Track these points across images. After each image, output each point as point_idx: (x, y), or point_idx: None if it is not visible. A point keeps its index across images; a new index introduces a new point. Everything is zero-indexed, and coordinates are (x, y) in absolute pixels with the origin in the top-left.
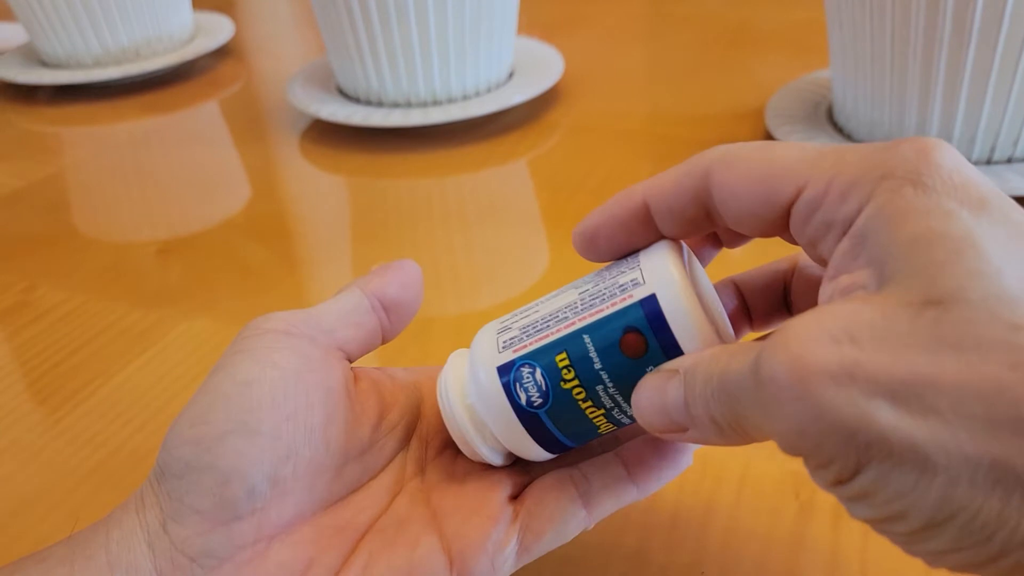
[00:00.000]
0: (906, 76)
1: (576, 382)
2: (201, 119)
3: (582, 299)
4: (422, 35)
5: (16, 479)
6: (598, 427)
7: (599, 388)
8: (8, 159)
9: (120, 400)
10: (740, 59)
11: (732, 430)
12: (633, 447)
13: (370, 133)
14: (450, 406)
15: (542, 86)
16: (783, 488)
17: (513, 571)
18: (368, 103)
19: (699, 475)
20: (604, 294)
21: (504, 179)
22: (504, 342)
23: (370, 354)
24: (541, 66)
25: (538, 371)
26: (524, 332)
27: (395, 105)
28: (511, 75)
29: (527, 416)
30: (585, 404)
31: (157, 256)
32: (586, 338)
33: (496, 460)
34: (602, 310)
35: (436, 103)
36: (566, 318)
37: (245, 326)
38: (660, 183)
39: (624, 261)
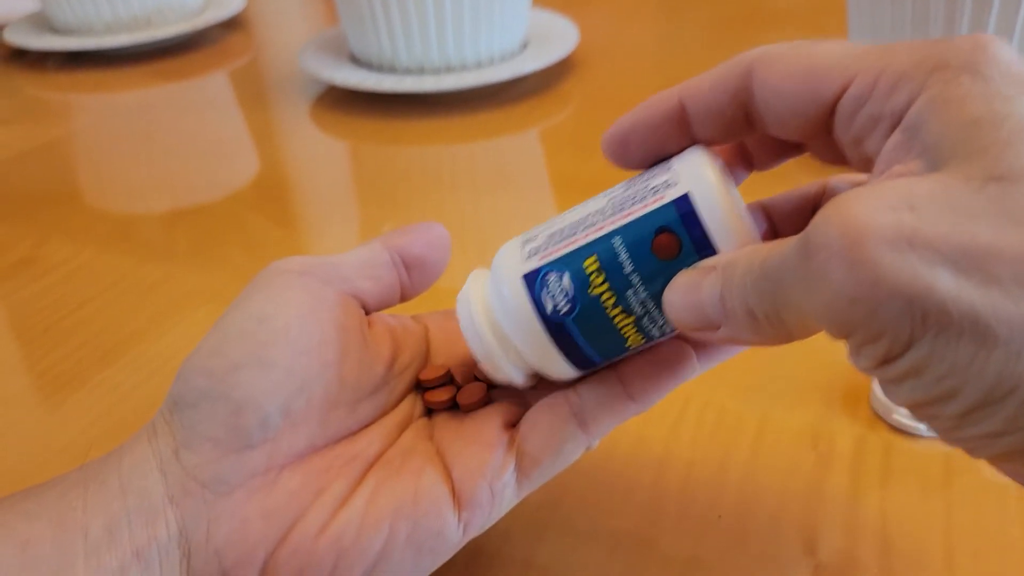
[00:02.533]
0: None
1: (606, 287)
2: (211, 88)
3: (612, 203)
4: (437, 1)
5: (25, 424)
6: (627, 339)
7: (630, 293)
8: (18, 123)
9: (128, 350)
10: (756, 35)
11: (768, 322)
12: (630, 362)
13: (382, 100)
14: (472, 321)
15: (556, 55)
16: (801, 440)
17: (518, 500)
18: (381, 70)
19: (715, 426)
20: (635, 197)
21: (516, 148)
22: (530, 251)
23: None
24: (556, 37)
25: (566, 277)
26: (551, 239)
27: (408, 72)
28: (525, 45)
29: (553, 326)
30: (615, 311)
31: (165, 219)
32: (616, 241)
33: (520, 379)
34: (633, 212)
35: (449, 70)
36: (595, 223)
37: (263, 268)
38: (698, 83)
39: (656, 167)
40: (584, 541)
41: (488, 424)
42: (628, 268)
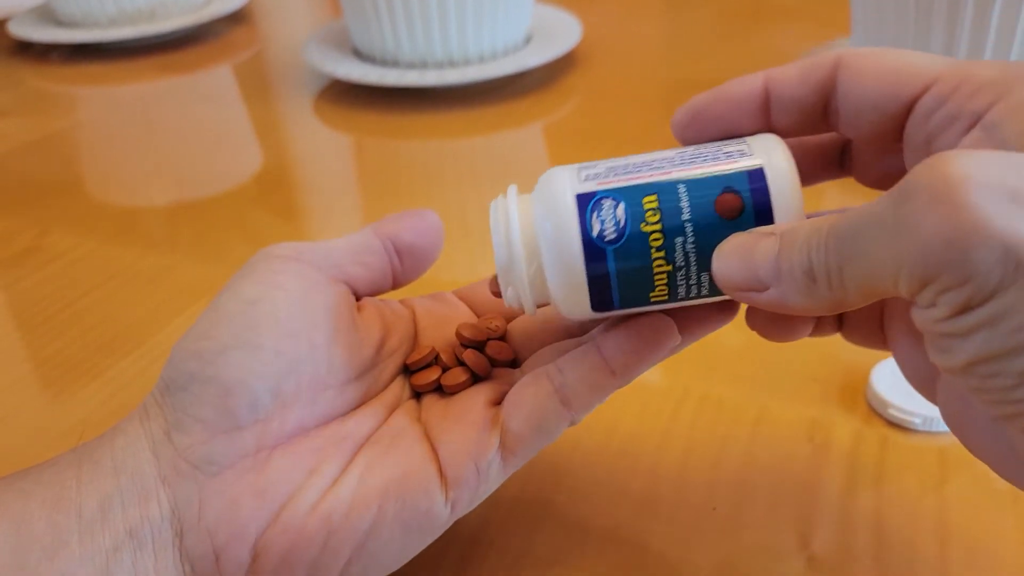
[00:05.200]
0: (929, 40)
1: (658, 227)
2: (214, 82)
3: (681, 156)
4: None
5: (26, 411)
6: (654, 288)
7: (678, 240)
8: (22, 115)
9: (129, 340)
10: (761, 30)
11: (828, 281)
12: (610, 335)
13: (385, 94)
14: (506, 225)
15: (560, 50)
16: (797, 432)
17: (504, 477)
18: (384, 64)
19: (713, 418)
20: (706, 156)
21: (518, 143)
22: (587, 175)
23: None
24: (559, 31)
25: (621, 206)
26: (611, 171)
27: (411, 66)
28: (528, 40)
29: (593, 250)
30: (657, 255)
31: (168, 211)
32: (681, 187)
33: (526, 303)
34: (703, 167)
35: (452, 64)
36: (661, 167)
37: (254, 254)
38: (785, 69)
39: (726, 140)
40: (579, 532)
41: (473, 403)
42: (685, 215)
